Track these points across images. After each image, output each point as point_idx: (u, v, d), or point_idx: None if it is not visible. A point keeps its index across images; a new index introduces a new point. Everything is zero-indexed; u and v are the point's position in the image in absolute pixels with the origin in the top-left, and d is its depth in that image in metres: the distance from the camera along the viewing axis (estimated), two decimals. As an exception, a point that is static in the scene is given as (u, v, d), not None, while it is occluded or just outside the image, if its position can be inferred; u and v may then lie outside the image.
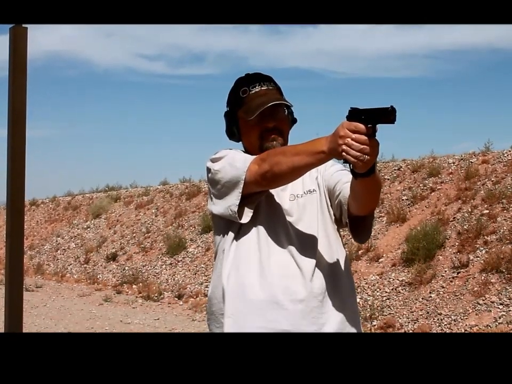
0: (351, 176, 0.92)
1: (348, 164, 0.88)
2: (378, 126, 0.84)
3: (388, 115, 0.82)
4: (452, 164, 5.78)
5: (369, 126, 0.84)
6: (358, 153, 0.84)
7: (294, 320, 0.96)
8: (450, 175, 5.61)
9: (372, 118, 0.84)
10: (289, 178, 0.98)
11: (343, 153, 0.85)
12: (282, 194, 1.05)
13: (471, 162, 5.61)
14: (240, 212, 1.00)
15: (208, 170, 1.06)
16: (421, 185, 5.72)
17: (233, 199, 1.00)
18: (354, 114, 0.85)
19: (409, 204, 5.57)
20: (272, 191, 1.04)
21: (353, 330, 1.01)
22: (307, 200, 1.05)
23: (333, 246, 1.03)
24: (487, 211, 4.84)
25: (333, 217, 1.06)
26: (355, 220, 1.00)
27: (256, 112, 1.02)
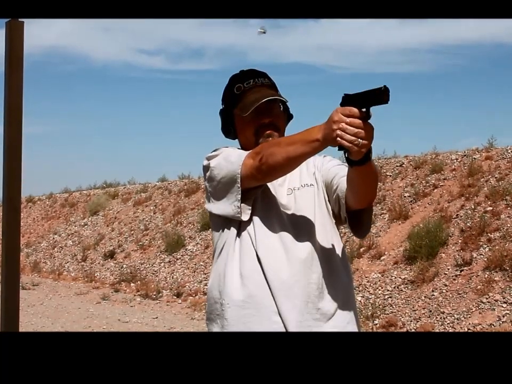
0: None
1: (343, 151, 0.86)
2: (374, 108, 0.83)
3: (381, 95, 0.80)
4: (455, 160, 5.74)
5: (363, 110, 0.82)
6: (353, 137, 0.82)
7: (291, 316, 0.95)
8: (453, 172, 5.59)
9: (365, 101, 0.82)
10: (285, 169, 0.96)
11: (338, 139, 0.83)
12: (280, 190, 1.04)
13: (474, 158, 5.57)
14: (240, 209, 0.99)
15: (205, 168, 1.05)
16: (423, 181, 5.69)
17: (234, 195, 0.99)
18: (348, 100, 0.84)
19: (411, 201, 5.54)
20: (270, 186, 1.03)
21: (350, 326, 1.00)
22: (304, 192, 1.04)
23: (330, 240, 1.02)
24: (491, 208, 4.81)
25: (331, 213, 1.05)
26: (354, 215, 0.99)
27: (251, 108, 1.01)
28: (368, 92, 0.82)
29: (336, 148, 0.85)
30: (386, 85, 0.80)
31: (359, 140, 0.82)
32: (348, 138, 0.82)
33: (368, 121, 0.83)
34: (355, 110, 0.83)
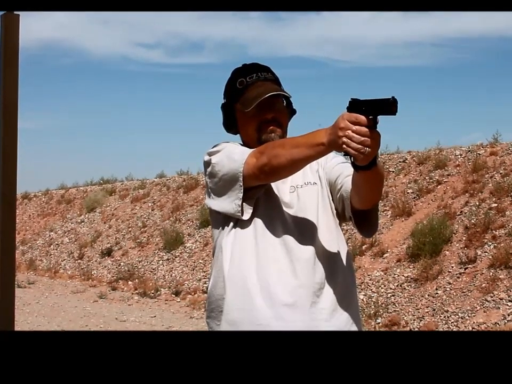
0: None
1: (348, 157, 0.86)
2: (380, 117, 0.82)
3: (389, 106, 0.80)
4: (459, 156, 5.70)
5: (370, 117, 0.82)
6: (359, 146, 0.82)
7: (292, 316, 0.95)
8: (457, 168, 5.54)
9: (373, 109, 0.82)
10: (288, 172, 0.96)
11: (344, 146, 0.83)
12: (282, 187, 1.03)
13: (479, 154, 5.53)
14: (241, 208, 0.98)
15: (206, 164, 1.04)
16: (427, 178, 5.64)
17: (235, 193, 0.98)
18: (355, 106, 0.84)
19: (414, 197, 5.50)
20: (272, 183, 1.01)
21: (353, 327, 0.99)
22: (307, 191, 1.03)
23: (334, 239, 1.01)
24: (496, 204, 4.77)
25: (335, 211, 1.04)
26: (359, 214, 0.98)
27: (253, 103, 1.00)
28: (377, 100, 0.81)
29: (342, 152, 0.86)
30: (395, 96, 0.79)
31: (365, 148, 0.81)
32: (354, 146, 0.82)
33: (375, 128, 0.82)
34: (362, 117, 0.81)
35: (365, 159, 0.83)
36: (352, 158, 0.86)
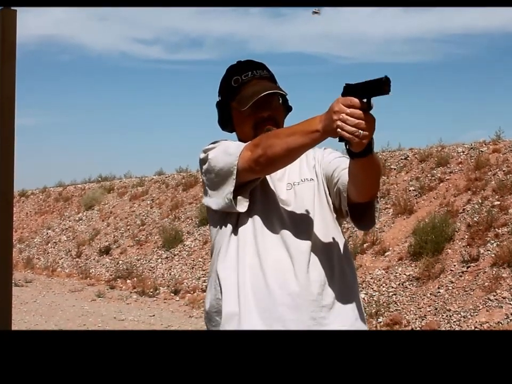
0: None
1: (344, 143, 0.85)
2: (376, 100, 0.81)
3: (382, 85, 0.80)
4: (461, 153, 5.68)
5: (364, 100, 0.82)
6: (354, 129, 0.81)
7: (293, 315, 0.94)
8: (460, 165, 5.52)
9: (367, 91, 0.82)
10: (284, 161, 0.95)
11: (338, 129, 0.82)
12: (279, 185, 1.03)
13: (482, 151, 5.50)
14: (235, 201, 0.98)
15: (202, 161, 1.04)
16: (428, 175, 5.61)
17: (228, 187, 0.97)
18: (349, 90, 0.84)
19: (416, 195, 5.46)
20: (269, 181, 1.01)
21: (357, 322, 0.98)
22: (304, 187, 1.03)
23: (331, 235, 1.01)
24: (498, 202, 4.74)
25: (332, 206, 1.04)
26: (356, 208, 0.97)
27: (249, 102, 1.01)
28: (369, 82, 0.81)
29: (337, 139, 0.85)
30: (388, 75, 0.79)
31: (360, 131, 0.81)
32: (349, 129, 0.81)
33: (370, 112, 0.82)
34: (356, 100, 0.81)
35: (360, 144, 0.82)
36: (347, 145, 0.85)
